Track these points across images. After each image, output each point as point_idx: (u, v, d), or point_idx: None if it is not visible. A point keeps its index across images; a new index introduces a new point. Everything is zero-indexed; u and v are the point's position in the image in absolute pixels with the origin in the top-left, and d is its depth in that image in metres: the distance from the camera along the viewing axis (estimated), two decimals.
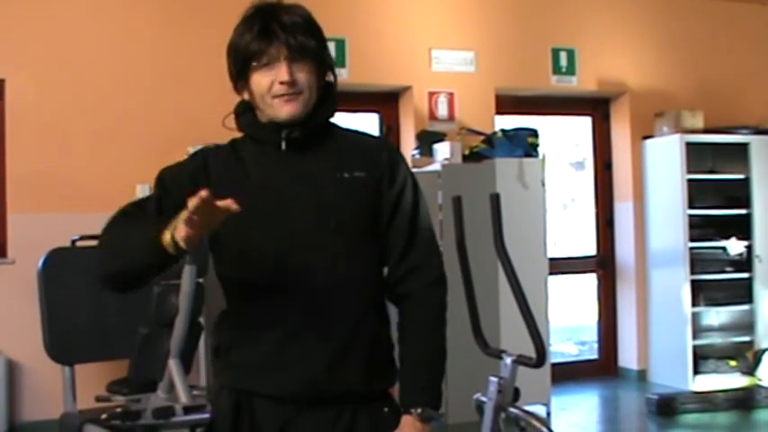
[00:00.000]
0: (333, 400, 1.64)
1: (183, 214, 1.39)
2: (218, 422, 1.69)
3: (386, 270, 1.74)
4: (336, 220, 1.61)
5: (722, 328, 6.25)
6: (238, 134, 1.74)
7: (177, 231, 1.42)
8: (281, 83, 1.59)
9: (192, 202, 1.36)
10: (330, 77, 1.70)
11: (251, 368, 1.64)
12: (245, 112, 1.69)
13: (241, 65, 1.62)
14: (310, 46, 1.61)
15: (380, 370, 1.70)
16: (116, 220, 1.67)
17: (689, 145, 5.82)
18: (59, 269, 4.29)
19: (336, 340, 1.62)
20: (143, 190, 4.97)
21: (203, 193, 1.36)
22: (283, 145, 1.64)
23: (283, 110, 1.61)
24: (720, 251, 5.97)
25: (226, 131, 1.76)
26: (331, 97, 1.70)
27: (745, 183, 5.95)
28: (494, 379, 2.98)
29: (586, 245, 6.72)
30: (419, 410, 1.65)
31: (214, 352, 1.72)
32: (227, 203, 1.39)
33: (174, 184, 1.66)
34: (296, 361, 1.61)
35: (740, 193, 5.97)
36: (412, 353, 1.70)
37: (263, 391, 1.63)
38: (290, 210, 1.62)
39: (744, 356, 5.95)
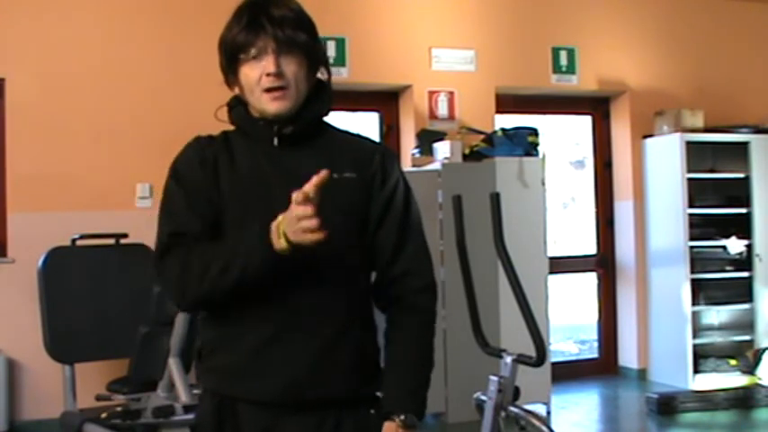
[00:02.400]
0: (316, 404, 1.61)
1: (295, 214, 1.43)
2: (201, 426, 1.67)
3: (373, 274, 1.71)
4: (324, 222, 1.56)
5: (722, 327, 6.25)
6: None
7: (297, 235, 1.44)
8: (268, 74, 1.57)
9: (303, 209, 1.42)
10: (323, 73, 1.67)
11: (233, 372, 1.61)
12: (237, 105, 1.68)
13: (229, 57, 1.61)
14: (299, 39, 1.58)
15: (365, 375, 1.66)
16: (170, 247, 1.59)
17: (689, 144, 5.81)
18: (59, 268, 4.30)
19: (319, 344, 1.59)
20: (143, 189, 4.98)
21: (311, 186, 1.42)
22: (275, 141, 1.63)
23: (271, 106, 1.59)
24: (720, 250, 5.96)
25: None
26: (324, 93, 1.67)
27: (746, 182, 5.94)
28: (494, 378, 2.98)
29: (586, 244, 6.72)
30: (402, 417, 1.61)
31: (197, 354, 1.70)
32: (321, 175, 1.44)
33: (186, 176, 1.64)
34: (278, 365, 1.58)
35: (740, 192, 5.96)
36: (397, 359, 1.67)
37: (246, 395, 1.61)
38: (279, 209, 1.56)
39: (744, 355, 5.95)
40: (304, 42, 1.59)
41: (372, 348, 1.69)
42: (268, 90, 1.59)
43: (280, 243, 1.45)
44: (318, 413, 1.61)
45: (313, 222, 1.41)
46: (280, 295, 1.58)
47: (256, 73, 1.58)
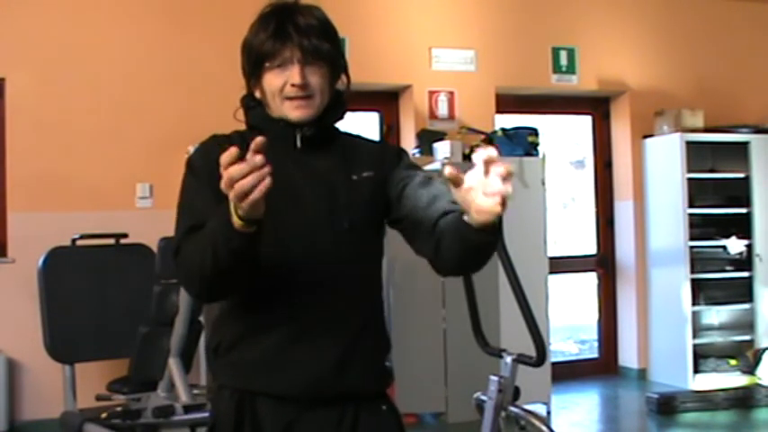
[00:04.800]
0: (336, 399, 1.63)
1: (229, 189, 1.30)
2: (220, 423, 1.67)
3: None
4: (349, 221, 1.61)
5: (722, 327, 6.25)
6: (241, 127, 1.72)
7: (237, 206, 1.32)
8: (293, 85, 1.58)
9: (225, 174, 1.28)
10: (344, 81, 1.69)
11: (255, 367, 1.62)
12: (256, 106, 1.68)
13: (254, 64, 1.62)
14: (324, 49, 1.60)
15: (380, 371, 1.70)
16: (184, 240, 1.53)
17: (689, 144, 5.81)
18: (60, 268, 4.30)
19: (342, 340, 1.62)
20: (143, 189, 4.98)
21: (225, 157, 1.28)
22: (298, 143, 1.64)
23: (294, 113, 1.61)
24: (720, 250, 5.97)
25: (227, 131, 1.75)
26: (341, 101, 1.70)
27: (746, 181, 5.94)
28: (494, 378, 2.98)
29: (586, 244, 6.72)
30: None
31: (213, 351, 1.70)
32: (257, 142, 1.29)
33: (206, 171, 1.57)
34: (301, 360, 1.60)
35: (740, 192, 5.96)
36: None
37: (267, 390, 1.62)
38: (303, 208, 1.61)
39: (744, 355, 5.95)
40: (328, 52, 1.61)
41: (386, 343, 1.73)
42: (291, 98, 1.60)
43: (236, 221, 1.36)
44: (338, 408, 1.63)
45: (247, 181, 1.27)
46: (303, 292, 1.60)
47: (280, 81, 1.60)
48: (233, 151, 1.28)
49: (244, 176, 1.28)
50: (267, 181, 1.29)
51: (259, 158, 1.28)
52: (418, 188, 1.59)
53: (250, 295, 1.62)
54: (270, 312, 1.61)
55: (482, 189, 1.29)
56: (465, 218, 1.40)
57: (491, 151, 1.27)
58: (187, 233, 1.53)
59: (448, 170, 1.31)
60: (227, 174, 1.28)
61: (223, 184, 1.30)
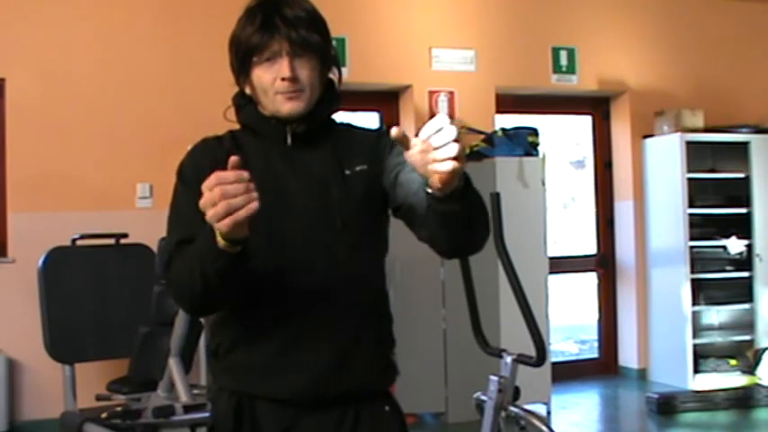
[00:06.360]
0: (336, 400, 1.61)
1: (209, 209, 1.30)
2: (219, 426, 1.65)
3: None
4: (343, 218, 1.58)
5: (722, 327, 6.25)
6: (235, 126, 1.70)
7: (218, 227, 1.31)
8: (283, 79, 1.55)
9: (205, 196, 1.29)
10: (334, 73, 1.67)
11: (254, 370, 1.60)
12: (247, 104, 1.65)
13: (242, 59, 1.59)
14: (313, 41, 1.57)
15: (382, 369, 1.68)
16: (174, 255, 1.53)
17: (689, 144, 5.81)
18: (59, 268, 4.31)
19: (341, 340, 1.59)
20: (143, 189, 4.98)
21: (208, 180, 1.29)
22: (289, 140, 1.61)
23: (285, 106, 1.58)
24: (721, 250, 5.97)
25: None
26: (334, 92, 1.67)
27: (746, 181, 5.94)
28: (494, 378, 2.98)
29: (587, 244, 6.73)
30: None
31: (213, 353, 1.68)
32: (236, 172, 1.30)
33: (196, 179, 1.51)
34: (300, 362, 1.58)
35: (740, 192, 5.96)
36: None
37: (267, 393, 1.60)
38: (295, 206, 1.58)
39: (744, 355, 5.95)
40: (317, 44, 1.58)
41: (389, 342, 1.71)
42: (282, 92, 1.57)
43: (220, 241, 1.36)
44: (338, 410, 1.61)
45: (220, 207, 1.27)
46: (300, 294, 1.57)
47: (270, 76, 1.57)
48: (228, 170, 1.29)
49: (235, 195, 1.28)
50: (255, 204, 1.29)
51: (246, 174, 1.29)
52: (410, 173, 1.51)
53: (247, 298, 1.60)
54: (267, 315, 1.59)
55: (429, 153, 1.25)
56: (428, 190, 1.35)
57: (440, 123, 1.24)
58: (177, 246, 1.52)
59: (394, 131, 1.28)
60: (221, 190, 1.28)
61: (203, 202, 1.29)
